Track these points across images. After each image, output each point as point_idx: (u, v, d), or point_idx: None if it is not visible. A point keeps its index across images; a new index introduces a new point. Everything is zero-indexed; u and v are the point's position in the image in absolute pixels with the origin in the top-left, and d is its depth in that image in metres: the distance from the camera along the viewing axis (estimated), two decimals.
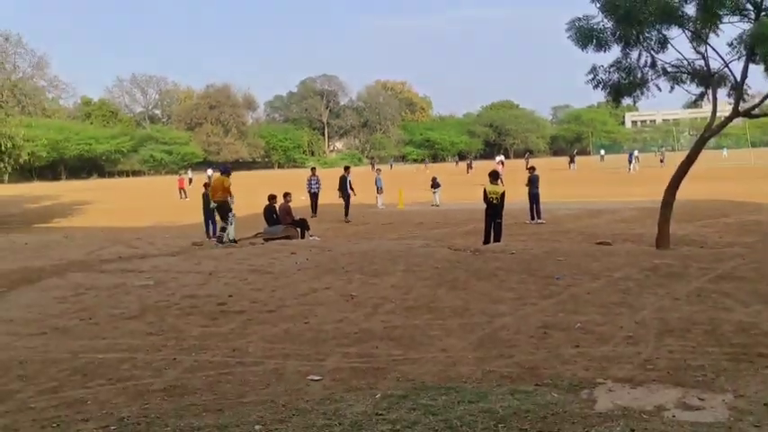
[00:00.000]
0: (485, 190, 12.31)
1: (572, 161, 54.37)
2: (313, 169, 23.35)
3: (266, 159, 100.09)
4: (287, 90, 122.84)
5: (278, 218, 15.15)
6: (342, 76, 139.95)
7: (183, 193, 35.29)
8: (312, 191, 21.95)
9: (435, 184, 24.46)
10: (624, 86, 11.07)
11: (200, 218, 17.41)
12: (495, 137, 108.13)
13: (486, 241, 12.26)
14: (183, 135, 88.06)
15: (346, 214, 19.71)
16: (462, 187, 33.03)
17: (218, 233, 13.91)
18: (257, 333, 6.11)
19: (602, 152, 71.55)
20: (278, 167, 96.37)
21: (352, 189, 20.67)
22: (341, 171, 21.95)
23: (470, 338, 5.72)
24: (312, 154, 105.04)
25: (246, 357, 5.39)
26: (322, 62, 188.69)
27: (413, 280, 8.41)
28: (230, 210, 13.90)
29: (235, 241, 13.65)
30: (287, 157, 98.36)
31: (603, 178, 40.08)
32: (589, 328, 5.94)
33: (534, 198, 17.68)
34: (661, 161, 51.68)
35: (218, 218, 14.77)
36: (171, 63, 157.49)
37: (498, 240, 12.37)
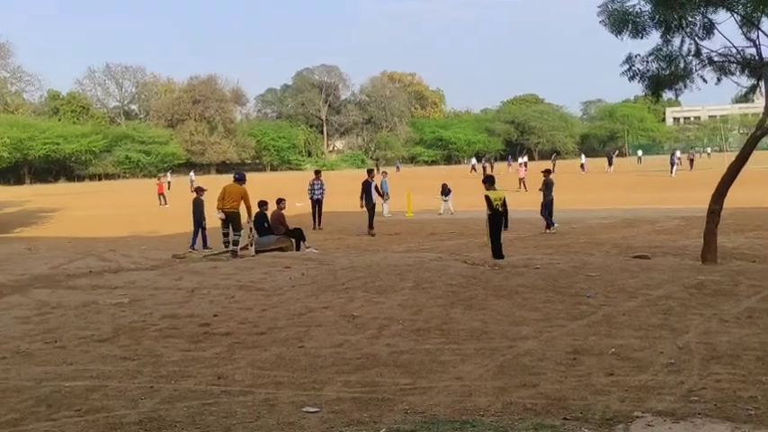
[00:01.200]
0: (488, 198, 12.30)
1: (610, 162, 54.54)
2: (317, 173, 22.46)
3: (257, 161, 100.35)
4: (281, 83, 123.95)
5: (270, 227, 15.18)
6: (343, 67, 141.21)
7: (162, 198, 35.46)
8: (315, 197, 21.01)
9: (446, 191, 24.44)
10: (664, 78, 11.08)
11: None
12: (517, 135, 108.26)
13: (499, 255, 12.20)
14: (162, 133, 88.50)
15: (371, 226, 18.77)
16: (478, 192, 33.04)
17: (230, 246, 13.93)
18: (246, 358, 6.12)
19: (640, 153, 71.73)
20: (270, 170, 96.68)
21: (380, 194, 20.00)
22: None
23: (489, 365, 5.71)
24: (309, 155, 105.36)
25: (233, 386, 5.39)
26: (320, 51, 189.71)
27: (423, 298, 8.41)
28: (239, 222, 14.04)
29: (235, 253, 13.69)
30: (280, 159, 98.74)
31: (642, 182, 40.04)
32: (625, 353, 5.92)
33: (548, 204, 17.82)
34: (691, 162, 51.83)
35: (223, 228, 14.78)
36: (150, 52, 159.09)
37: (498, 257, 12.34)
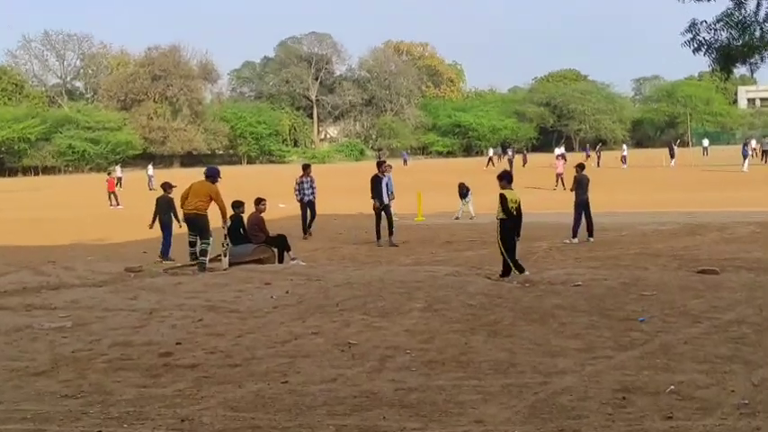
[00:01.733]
0: (504, 197, 12.25)
1: (672, 154, 54.62)
2: (306, 168, 21.56)
3: (231, 151, 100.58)
4: (260, 55, 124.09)
5: (246, 234, 15.20)
6: (337, 36, 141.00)
7: (113, 198, 35.53)
8: (305, 198, 20.51)
9: (463, 191, 24.36)
10: (736, 49, 11.07)
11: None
12: (553, 121, 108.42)
13: (518, 268, 12.17)
14: (114, 117, 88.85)
15: (391, 233, 18.37)
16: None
17: (199, 257, 13.96)
18: (216, 396, 6.12)
19: (706, 143, 71.63)
20: (247, 162, 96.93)
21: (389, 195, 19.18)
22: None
23: (518, 406, 5.70)
24: (296, 144, 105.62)
25: (200, 430, 5.39)
26: (310, 16, 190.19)
27: (436, 322, 8.41)
28: (207, 227, 14.11)
29: (203, 266, 13.77)
30: (260, 149, 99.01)
31: (708, 179, 39.99)
32: (686, 391, 5.91)
33: (583, 206, 17.72)
34: (765, 153, 51.88)
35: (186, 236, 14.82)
36: (98, 17, 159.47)
37: (507, 272, 12.27)
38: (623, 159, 56.55)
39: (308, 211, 20.66)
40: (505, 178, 12.94)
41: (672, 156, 54.80)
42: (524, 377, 6.38)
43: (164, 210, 16.49)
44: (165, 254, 15.95)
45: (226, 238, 14.26)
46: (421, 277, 11.38)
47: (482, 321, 8.41)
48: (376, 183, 18.86)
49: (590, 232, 17.74)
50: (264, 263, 14.50)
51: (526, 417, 5.48)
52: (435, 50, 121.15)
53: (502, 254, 12.21)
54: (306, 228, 20.49)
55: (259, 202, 15.74)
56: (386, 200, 18.78)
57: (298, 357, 7.15)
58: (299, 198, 20.73)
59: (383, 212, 18.59)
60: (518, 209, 12.43)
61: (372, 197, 18.85)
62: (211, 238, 14.15)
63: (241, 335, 8.11)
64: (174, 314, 9.29)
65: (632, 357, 6.88)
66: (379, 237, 18.52)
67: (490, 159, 63.20)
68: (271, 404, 5.90)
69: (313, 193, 20.81)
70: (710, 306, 8.87)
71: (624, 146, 62.63)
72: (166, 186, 17.03)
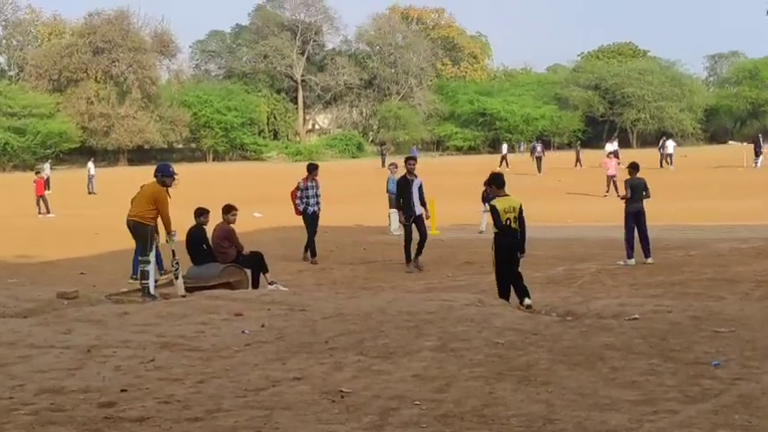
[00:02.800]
0: (494, 209, 12.59)
1: (757, 152, 54.49)
2: (312, 168, 20.34)
3: (193, 145, 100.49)
4: (231, 22, 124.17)
5: (211, 250, 15.20)
6: None
7: (42, 204, 35.55)
8: (309, 209, 19.58)
9: (488, 198, 24.28)
10: None
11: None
12: (604, 109, 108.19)
13: (503, 293, 12.63)
14: (45, 101, 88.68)
15: (420, 252, 17.95)
16: (543, 197, 33.05)
17: (140, 280, 14.03)
18: None
19: None
20: (213, 159, 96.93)
21: (423, 204, 18.63)
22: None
23: None
24: (276, 136, 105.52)
25: None
26: None
27: (453, 366, 8.38)
28: (154, 237, 14.20)
29: (147, 292, 13.84)
30: (230, 142, 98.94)
31: None
32: None
33: (636, 218, 17.67)
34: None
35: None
36: None
37: (522, 294, 12.50)
38: (667, 159, 56.80)
39: (312, 225, 19.78)
40: (494, 182, 13.17)
41: (757, 153, 54.63)
42: None
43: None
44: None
45: (174, 256, 14.27)
46: (434, 308, 11.34)
47: (511, 365, 8.37)
48: (405, 187, 18.33)
49: (646, 252, 17.69)
50: (235, 288, 14.48)
51: None
52: (454, 19, 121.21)
53: (497, 278, 12.82)
54: (309, 248, 19.79)
55: (228, 210, 15.74)
56: (418, 210, 18.30)
57: (275, 410, 7.11)
58: (300, 208, 19.76)
59: (414, 225, 18.21)
60: (518, 219, 12.60)
61: (398, 206, 18.65)
62: (152, 254, 14.13)
63: (203, 380, 8.08)
64: (118, 353, 9.24)
65: (703, 412, 6.85)
66: (408, 259, 18.14)
67: (503, 158, 63.07)
68: None
69: (318, 203, 19.88)
70: None
71: (669, 142, 61.07)
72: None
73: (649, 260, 17.49)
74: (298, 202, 19.76)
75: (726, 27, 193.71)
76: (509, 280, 12.75)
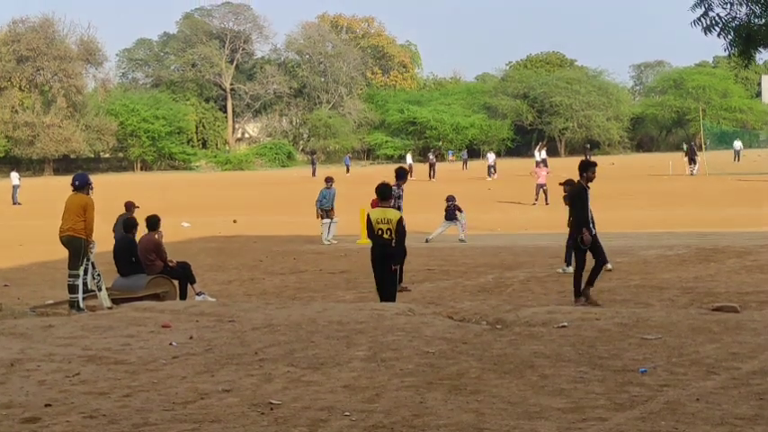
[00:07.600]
0: (368, 218, 13.24)
1: (691, 160, 55.27)
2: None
3: (120, 155, 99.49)
4: (159, 30, 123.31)
5: (138, 261, 15.05)
6: (259, 7, 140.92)
7: None
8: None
9: (453, 210, 23.87)
10: (759, 29, 11.28)
11: None
12: (532, 117, 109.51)
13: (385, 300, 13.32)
14: None
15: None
16: (473, 206, 33.26)
17: (69, 294, 13.87)
18: None
19: (739, 145, 73.18)
20: (141, 169, 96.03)
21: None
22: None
23: None
24: (204, 145, 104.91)
25: None
26: None
27: (383, 375, 8.37)
28: (88, 249, 13.95)
29: (75, 305, 13.64)
30: (158, 151, 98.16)
31: (736, 190, 40.63)
32: None
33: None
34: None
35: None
36: None
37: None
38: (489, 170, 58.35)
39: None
40: (380, 192, 13.44)
41: (692, 161, 55.09)
42: None
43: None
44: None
45: (94, 268, 14.10)
46: (364, 317, 11.33)
47: (442, 374, 8.37)
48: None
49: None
50: (162, 299, 14.40)
51: None
52: (384, 27, 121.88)
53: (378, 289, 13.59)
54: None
55: (153, 225, 15.61)
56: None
57: (204, 423, 7.05)
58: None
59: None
60: (393, 231, 12.86)
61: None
62: (81, 269, 13.91)
63: (130, 393, 7.98)
64: (42, 367, 9.10)
65: (631, 419, 6.91)
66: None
67: (431, 166, 63.25)
68: None
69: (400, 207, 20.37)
70: (729, 353, 8.93)
71: (489, 155, 62.91)
72: (129, 206, 17.36)
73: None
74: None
75: (651, 37, 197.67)
76: (378, 287, 13.44)
